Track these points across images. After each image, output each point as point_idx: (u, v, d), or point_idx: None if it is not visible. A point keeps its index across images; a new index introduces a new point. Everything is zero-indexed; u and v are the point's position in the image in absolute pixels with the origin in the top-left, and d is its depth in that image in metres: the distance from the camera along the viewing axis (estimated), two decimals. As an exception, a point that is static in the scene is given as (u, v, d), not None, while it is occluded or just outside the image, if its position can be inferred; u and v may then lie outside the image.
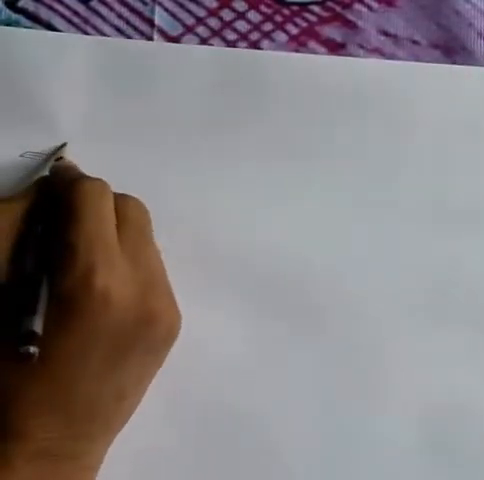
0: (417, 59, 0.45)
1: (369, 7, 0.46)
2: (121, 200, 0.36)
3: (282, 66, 0.44)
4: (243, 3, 0.45)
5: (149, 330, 0.34)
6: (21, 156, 0.41)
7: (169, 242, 0.38)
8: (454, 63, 0.45)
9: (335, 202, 0.43)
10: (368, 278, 0.41)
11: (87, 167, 0.39)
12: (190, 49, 0.44)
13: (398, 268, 0.42)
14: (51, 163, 0.40)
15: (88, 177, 0.36)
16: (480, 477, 0.40)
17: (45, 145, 0.41)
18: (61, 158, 0.40)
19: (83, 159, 0.40)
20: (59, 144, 0.41)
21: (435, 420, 0.40)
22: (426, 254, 0.42)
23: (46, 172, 0.40)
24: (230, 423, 0.39)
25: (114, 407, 0.34)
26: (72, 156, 0.41)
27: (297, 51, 0.45)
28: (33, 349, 0.30)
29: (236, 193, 0.42)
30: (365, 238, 0.42)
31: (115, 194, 0.36)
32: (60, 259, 0.33)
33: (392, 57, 0.45)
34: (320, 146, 0.43)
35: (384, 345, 0.41)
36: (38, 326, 0.31)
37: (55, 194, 0.36)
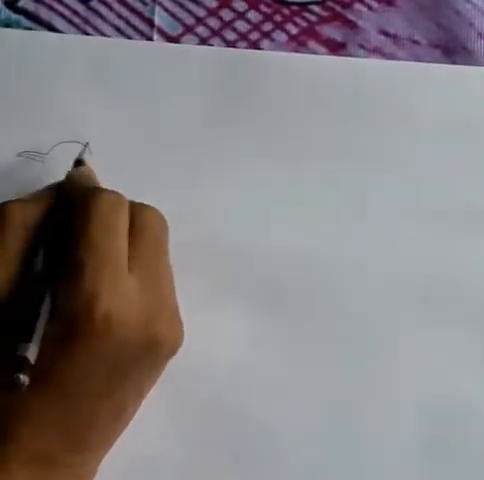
0: (417, 59, 0.45)
1: (369, 7, 0.46)
2: (138, 210, 0.35)
3: (282, 66, 0.44)
4: (243, 3, 0.45)
5: (151, 352, 0.34)
6: (19, 155, 0.41)
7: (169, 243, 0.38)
8: (454, 63, 0.45)
9: (335, 201, 0.42)
10: (368, 277, 0.41)
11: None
12: (190, 49, 0.44)
13: (398, 267, 0.42)
14: (70, 167, 0.39)
15: (103, 190, 0.35)
16: (481, 477, 0.39)
17: (44, 145, 0.41)
18: (80, 162, 0.39)
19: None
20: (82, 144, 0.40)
21: (435, 419, 0.40)
22: (426, 253, 0.42)
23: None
24: (232, 425, 0.39)
25: (112, 422, 0.34)
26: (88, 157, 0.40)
27: (297, 51, 0.45)
28: (23, 378, 0.30)
29: (236, 193, 0.42)
30: (365, 238, 0.42)
31: (132, 203, 0.35)
32: (66, 276, 0.32)
33: (392, 57, 0.45)
34: (320, 146, 0.43)
35: (384, 345, 0.41)
36: (32, 353, 0.30)
37: (69, 204, 0.35)
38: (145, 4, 0.45)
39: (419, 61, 0.45)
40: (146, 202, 0.40)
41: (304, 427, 0.39)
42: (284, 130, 0.43)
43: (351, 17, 0.45)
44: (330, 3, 0.45)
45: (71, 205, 0.35)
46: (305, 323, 0.41)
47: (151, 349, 0.33)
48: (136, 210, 0.35)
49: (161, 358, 0.35)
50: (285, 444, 0.39)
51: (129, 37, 0.44)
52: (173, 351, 0.35)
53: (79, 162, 0.39)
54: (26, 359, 0.30)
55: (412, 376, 0.40)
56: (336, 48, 0.45)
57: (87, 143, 0.40)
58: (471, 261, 0.42)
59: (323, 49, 0.45)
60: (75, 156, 0.40)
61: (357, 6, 0.46)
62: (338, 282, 0.41)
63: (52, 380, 0.32)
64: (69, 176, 0.38)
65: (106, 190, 0.35)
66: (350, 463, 0.39)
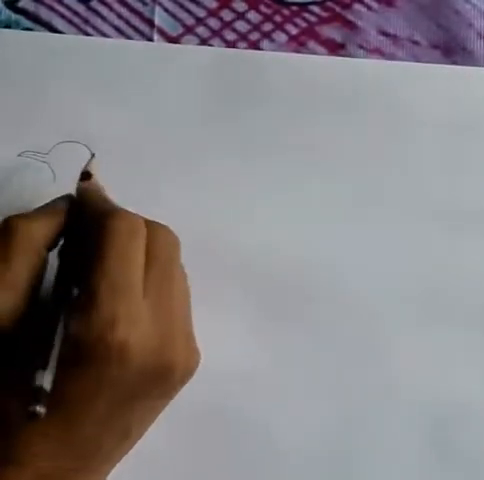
0: (417, 59, 0.45)
1: (369, 7, 0.46)
2: (153, 233, 0.34)
3: (282, 66, 0.44)
4: (243, 3, 0.45)
5: (164, 381, 0.33)
6: (20, 155, 0.41)
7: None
8: (454, 63, 0.45)
9: (335, 201, 0.42)
10: (368, 278, 0.41)
11: (85, 162, 0.39)
12: (190, 49, 0.44)
13: (398, 267, 0.42)
14: (78, 180, 0.38)
15: (121, 214, 0.34)
16: (481, 477, 0.39)
17: (44, 145, 0.41)
18: (88, 174, 0.38)
19: (81, 158, 0.41)
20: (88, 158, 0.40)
21: (435, 419, 0.40)
22: (426, 253, 0.42)
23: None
24: (230, 429, 0.39)
25: (117, 445, 0.34)
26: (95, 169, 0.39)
27: (297, 51, 0.45)
28: (39, 409, 0.29)
29: (236, 192, 0.42)
30: (365, 238, 0.42)
31: (147, 224, 0.34)
32: (82, 303, 0.32)
33: (392, 57, 0.45)
34: (320, 146, 0.43)
35: (384, 345, 0.40)
36: (48, 382, 0.30)
37: (82, 223, 0.34)
38: (145, 4, 0.45)
39: (419, 61, 0.45)
40: (146, 202, 0.41)
41: (303, 427, 0.39)
42: (284, 130, 0.43)
43: (351, 17, 0.45)
44: (330, 3, 0.45)
45: (85, 225, 0.34)
46: (304, 324, 0.40)
47: (162, 379, 0.33)
48: (150, 231, 0.34)
49: (171, 387, 0.34)
50: (284, 446, 0.39)
51: (129, 37, 0.44)
52: (184, 379, 0.34)
53: (86, 174, 0.38)
54: (43, 389, 0.30)
55: (412, 376, 0.40)
56: (336, 48, 0.45)
57: (93, 155, 0.40)
58: (471, 261, 0.42)
59: (323, 49, 0.45)
60: (75, 156, 0.40)
61: (357, 6, 0.46)
62: (338, 282, 0.41)
63: (58, 403, 0.31)
64: (79, 190, 0.37)
65: (123, 214, 0.34)
66: (350, 463, 0.39)
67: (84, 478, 0.34)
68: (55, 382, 0.30)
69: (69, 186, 0.41)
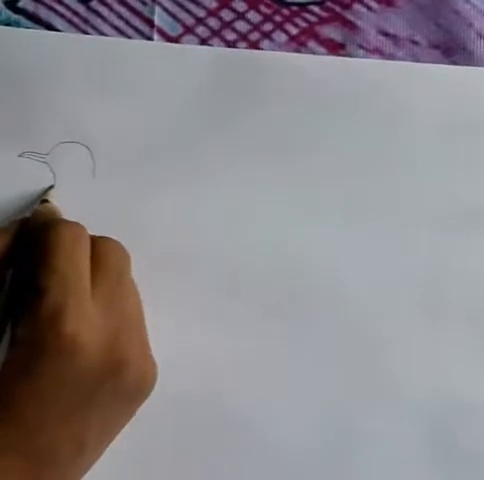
0: (417, 59, 0.45)
1: (369, 7, 0.46)
2: (100, 244, 0.35)
3: (282, 66, 0.44)
4: (243, 3, 0.45)
5: (116, 378, 0.33)
6: (20, 156, 0.41)
7: (165, 242, 0.38)
8: (454, 63, 0.45)
9: (335, 201, 0.42)
10: (368, 277, 0.41)
11: (86, 164, 0.39)
12: (190, 49, 0.44)
13: (398, 267, 0.42)
14: (36, 205, 0.40)
15: (65, 221, 0.36)
16: (481, 476, 0.39)
17: (43, 145, 0.41)
18: (46, 201, 0.40)
19: (81, 158, 0.41)
20: (46, 187, 0.41)
21: (435, 418, 0.40)
22: (426, 253, 0.42)
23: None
24: (230, 427, 0.39)
25: (75, 454, 0.33)
26: (60, 190, 0.41)
27: (297, 51, 0.45)
28: None
29: (235, 193, 0.42)
30: (365, 237, 0.42)
31: (94, 237, 0.35)
32: (29, 302, 0.32)
33: (392, 57, 0.45)
34: (320, 146, 0.43)
35: (384, 344, 0.40)
36: None
37: (31, 237, 0.35)
38: (145, 4, 0.45)
39: (418, 61, 0.45)
40: (146, 202, 0.41)
41: (302, 427, 0.39)
42: (284, 130, 0.43)
43: (351, 17, 0.45)
44: (330, 4, 0.45)
45: (33, 237, 0.35)
46: (304, 322, 0.40)
47: (115, 373, 0.33)
48: (97, 242, 0.35)
49: (127, 388, 0.34)
50: (281, 445, 0.39)
51: (129, 37, 0.44)
52: (141, 381, 0.34)
53: (44, 201, 0.40)
54: None
55: (412, 375, 0.40)
56: (336, 48, 0.45)
57: (51, 186, 0.41)
58: (471, 261, 0.42)
59: (323, 49, 0.45)
60: (75, 156, 0.40)
61: (357, 7, 0.46)
62: (337, 281, 0.41)
63: (13, 406, 0.32)
64: (34, 212, 0.39)
65: (67, 221, 0.36)
66: (350, 463, 0.39)
67: None
68: (8, 389, 0.31)
69: (69, 186, 0.41)
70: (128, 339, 0.34)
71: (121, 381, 0.33)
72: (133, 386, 0.34)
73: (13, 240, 0.36)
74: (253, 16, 0.45)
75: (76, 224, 0.35)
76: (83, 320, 0.32)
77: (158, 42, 0.44)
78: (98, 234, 0.36)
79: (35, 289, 0.33)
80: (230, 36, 0.45)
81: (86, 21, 0.45)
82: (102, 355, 0.33)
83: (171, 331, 0.39)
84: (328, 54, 0.45)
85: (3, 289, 0.35)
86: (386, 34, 0.45)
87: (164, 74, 0.43)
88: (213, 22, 0.45)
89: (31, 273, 0.33)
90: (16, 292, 0.34)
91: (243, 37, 0.45)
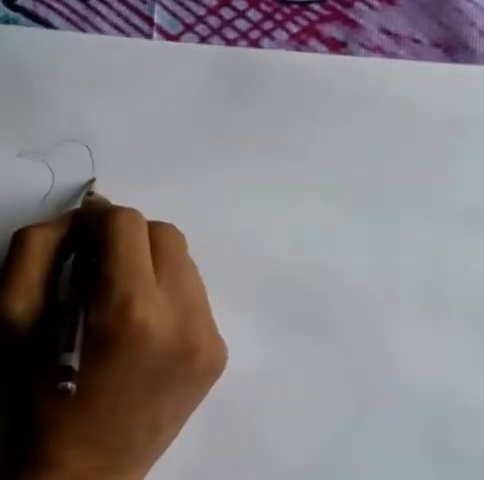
0: (418, 58, 0.45)
1: (370, 5, 0.45)
2: (155, 228, 0.35)
3: (282, 65, 0.44)
4: (243, 1, 0.45)
5: (187, 364, 0.33)
6: (19, 155, 0.41)
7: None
8: (455, 62, 0.45)
9: (335, 201, 0.42)
10: (368, 278, 0.41)
11: (85, 163, 0.39)
12: (190, 48, 0.44)
13: (399, 267, 0.42)
14: (82, 197, 0.40)
15: (120, 208, 0.36)
16: (481, 477, 0.39)
17: (43, 144, 0.41)
18: (92, 193, 0.40)
19: (80, 157, 0.40)
20: (88, 179, 0.41)
21: (435, 419, 0.40)
22: (426, 253, 0.42)
23: (77, 205, 0.40)
24: (233, 423, 0.39)
25: (148, 440, 0.34)
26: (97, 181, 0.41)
27: (298, 49, 0.44)
28: (71, 385, 0.30)
29: (236, 192, 0.42)
30: (366, 237, 0.42)
31: (149, 222, 0.35)
32: (97, 292, 0.32)
33: (393, 56, 0.45)
34: (320, 145, 0.43)
35: (384, 344, 0.40)
36: (75, 362, 0.31)
37: (87, 226, 0.35)
38: (144, 2, 0.45)
39: (420, 60, 0.45)
40: (146, 201, 0.40)
41: (303, 427, 0.39)
42: (284, 129, 0.43)
43: (352, 16, 0.45)
44: (331, 2, 0.45)
45: (90, 226, 0.35)
46: (305, 323, 0.40)
47: (187, 359, 0.33)
48: (153, 228, 0.35)
49: (198, 373, 0.34)
50: (281, 438, 0.39)
51: (128, 36, 0.44)
52: (212, 365, 0.34)
53: (90, 193, 0.40)
54: (70, 368, 0.30)
55: (411, 375, 0.40)
56: (337, 47, 0.45)
57: (93, 178, 0.41)
58: (473, 259, 0.42)
59: (324, 48, 0.45)
60: (74, 155, 0.40)
61: (358, 5, 0.45)
62: (338, 282, 0.41)
63: (87, 396, 0.32)
64: (84, 201, 0.39)
65: (123, 207, 0.36)
66: (348, 462, 0.39)
67: (118, 478, 0.34)
68: (81, 379, 0.31)
69: (68, 186, 0.41)
70: (196, 324, 0.34)
71: (192, 366, 0.33)
72: (204, 370, 0.34)
73: (68, 231, 0.36)
74: (253, 14, 0.45)
75: (132, 209, 0.35)
76: (152, 307, 0.32)
77: (158, 40, 0.44)
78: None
79: (101, 280, 0.33)
80: (230, 34, 0.45)
81: (85, 19, 0.44)
82: (172, 342, 0.33)
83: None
84: (329, 52, 0.45)
85: (62, 281, 0.35)
86: (388, 32, 0.45)
87: (164, 72, 0.43)
88: (213, 20, 0.45)
89: (95, 263, 0.33)
90: (82, 283, 0.34)
91: (243, 35, 0.45)
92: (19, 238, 0.35)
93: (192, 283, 0.35)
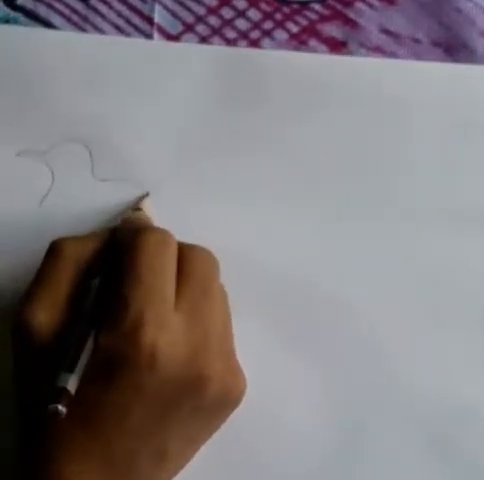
0: (418, 57, 0.45)
1: (370, 5, 0.45)
2: (186, 252, 0.34)
3: (282, 65, 0.44)
4: (243, 1, 0.45)
5: (196, 393, 0.32)
6: (18, 155, 0.41)
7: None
8: (456, 62, 0.45)
9: (335, 201, 0.42)
10: (368, 278, 0.41)
11: (85, 163, 0.39)
12: (190, 48, 0.44)
13: (399, 267, 0.41)
14: (129, 212, 0.40)
15: (152, 228, 0.35)
16: (481, 477, 0.39)
17: (42, 144, 0.41)
18: (139, 209, 0.39)
19: (80, 157, 0.40)
20: (142, 194, 0.41)
21: (435, 420, 0.39)
22: (426, 254, 0.42)
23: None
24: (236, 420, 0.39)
25: (154, 467, 0.33)
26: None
27: (298, 49, 0.44)
28: (61, 408, 0.29)
29: (235, 192, 0.42)
30: (365, 237, 0.42)
31: (183, 245, 0.34)
32: (111, 310, 0.32)
33: (393, 55, 0.45)
34: (320, 145, 0.43)
35: (384, 345, 0.40)
36: (72, 384, 0.30)
37: (118, 245, 0.35)
38: (145, 2, 0.45)
39: (420, 60, 0.45)
40: (146, 202, 0.40)
41: (303, 427, 0.39)
42: (284, 129, 0.43)
43: (352, 16, 0.45)
44: (331, 2, 0.45)
45: (119, 245, 0.35)
46: (305, 324, 0.40)
47: (195, 389, 0.32)
48: (185, 250, 0.34)
49: (209, 403, 0.33)
50: (280, 440, 0.39)
51: (129, 36, 0.44)
52: (225, 397, 0.34)
53: (138, 209, 0.40)
54: (65, 390, 0.30)
55: (413, 377, 0.40)
56: (337, 47, 0.45)
57: (147, 193, 0.41)
58: (473, 261, 0.42)
59: (324, 48, 0.45)
60: (73, 155, 0.40)
61: (358, 5, 0.45)
62: (336, 283, 0.41)
63: (94, 415, 0.32)
64: (123, 220, 0.39)
65: (154, 228, 0.35)
66: (351, 464, 0.39)
67: None
68: (91, 394, 0.31)
69: (67, 186, 0.41)
70: (210, 353, 0.33)
71: (202, 398, 0.33)
72: (216, 401, 0.33)
73: (103, 247, 0.35)
74: (253, 14, 0.45)
75: (162, 231, 0.34)
76: (163, 332, 0.31)
77: (158, 40, 0.44)
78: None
79: (117, 298, 0.32)
80: (230, 34, 0.45)
81: (85, 19, 0.44)
82: (182, 370, 0.32)
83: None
84: (329, 52, 0.45)
85: (89, 297, 0.34)
86: (388, 32, 0.45)
87: (164, 72, 0.43)
88: (213, 20, 0.45)
89: (115, 281, 0.33)
90: (101, 300, 0.34)
91: (243, 35, 0.45)
92: (54, 248, 0.34)
93: (215, 311, 0.34)
